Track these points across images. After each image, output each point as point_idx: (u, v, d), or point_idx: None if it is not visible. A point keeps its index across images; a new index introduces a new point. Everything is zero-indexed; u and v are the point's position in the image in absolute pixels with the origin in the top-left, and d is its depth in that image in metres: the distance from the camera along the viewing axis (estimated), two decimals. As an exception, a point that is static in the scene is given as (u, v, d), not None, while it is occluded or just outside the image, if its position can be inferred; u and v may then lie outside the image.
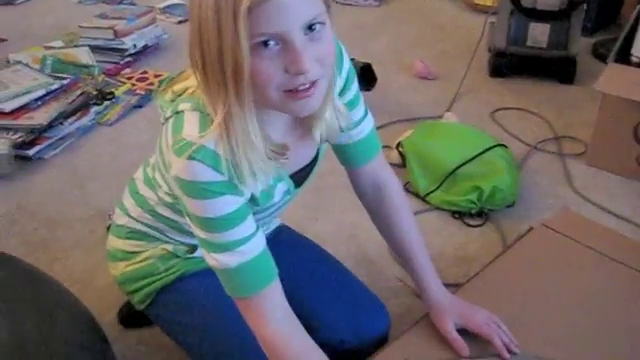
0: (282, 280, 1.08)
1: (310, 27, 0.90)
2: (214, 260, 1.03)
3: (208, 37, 0.89)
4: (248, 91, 0.91)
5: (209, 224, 1.01)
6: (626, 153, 2.02)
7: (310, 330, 1.18)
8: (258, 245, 1.05)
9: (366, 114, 1.23)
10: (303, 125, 1.10)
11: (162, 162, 1.08)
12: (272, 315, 1.05)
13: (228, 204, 1.00)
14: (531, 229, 1.61)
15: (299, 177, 1.17)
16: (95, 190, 2.05)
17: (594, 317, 1.33)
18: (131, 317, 1.53)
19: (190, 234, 1.11)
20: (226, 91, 0.92)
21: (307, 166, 1.18)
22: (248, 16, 0.85)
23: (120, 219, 1.31)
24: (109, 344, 1.26)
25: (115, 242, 1.32)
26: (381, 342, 1.31)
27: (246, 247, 1.03)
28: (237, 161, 0.97)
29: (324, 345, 1.13)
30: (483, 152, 1.92)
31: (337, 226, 1.86)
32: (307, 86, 0.93)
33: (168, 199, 1.17)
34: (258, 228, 1.06)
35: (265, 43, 0.89)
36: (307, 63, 0.90)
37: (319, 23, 0.91)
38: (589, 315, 1.34)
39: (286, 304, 1.08)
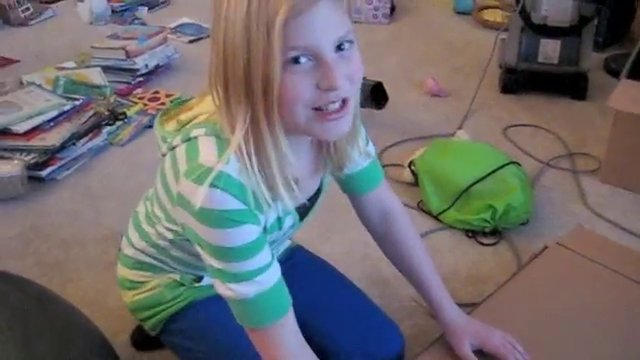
0: (295, 304, 1.07)
1: (340, 46, 0.90)
2: (230, 291, 1.00)
3: (234, 51, 0.88)
4: (276, 109, 0.89)
5: (228, 254, 0.98)
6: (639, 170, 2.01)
7: (322, 354, 1.17)
8: (275, 274, 1.03)
9: (368, 141, 1.22)
10: (321, 155, 1.09)
11: (166, 193, 1.06)
12: (286, 344, 1.04)
13: (248, 233, 0.97)
14: (545, 248, 1.60)
15: (304, 209, 1.14)
16: (108, 210, 2.05)
17: (610, 336, 1.32)
18: (144, 339, 1.51)
19: (196, 267, 1.10)
20: (252, 111, 0.90)
21: (311, 198, 1.15)
22: (283, 29, 0.85)
23: (127, 249, 1.30)
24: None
25: (123, 271, 1.32)
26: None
27: (263, 277, 1.00)
28: (260, 185, 0.95)
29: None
30: (496, 170, 1.91)
31: (350, 246, 1.85)
32: (337, 107, 0.93)
33: (168, 234, 1.16)
34: (274, 257, 1.04)
35: (296, 59, 0.88)
36: (339, 79, 0.90)
37: (348, 42, 0.92)
38: (605, 335, 1.32)
39: (299, 332, 1.06)
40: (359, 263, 1.78)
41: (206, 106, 1.01)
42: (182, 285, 1.26)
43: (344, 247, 1.85)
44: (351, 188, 1.27)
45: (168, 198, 1.05)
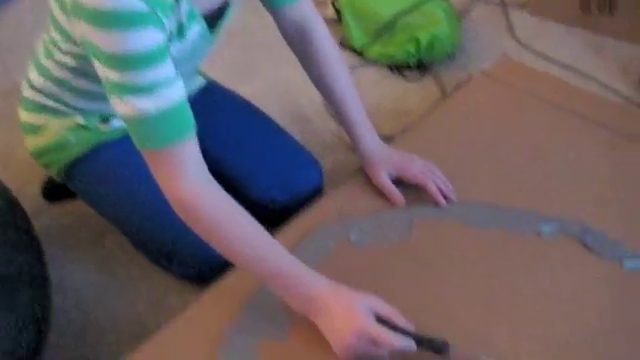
0: (208, 142, 1.02)
1: None
2: (129, 106, 0.90)
3: None
4: None
5: (127, 61, 0.88)
6: (569, 0, 1.94)
7: (239, 191, 1.14)
8: (179, 93, 0.93)
9: None
10: None
11: (59, 7, 0.99)
12: (188, 171, 0.95)
13: (149, 38, 0.88)
14: (470, 78, 1.54)
15: (213, 20, 1.07)
16: (15, 64, 1.90)
17: (538, 162, 1.30)
18: (54, 190, 1.44)
19: (100, 97, 1.01)
20: None
21: (221, 9, 1.08)
22: None
23: (26, 91, 1.23)
24: (29, 219, 1.17)
25: (23, 115, 1.25)
26: (315, 199, 1.26)
27: (166, 91, 0.91)
28: None
29: (254, 206, 1.06)
30: (421, 3, 1.81)
31: (271, 84, 1.77)
32: None
33: (68, 60, 1.09)
34: (179, 75, 0.94)
35: None
36: None
37: None
38: (533, 161, 1.30)
39: (204, 164, 0.97)
40: (279, 100, 1.71)
41: None
42: (87, 129, 1.20)
43: (265, 85, 1.77)
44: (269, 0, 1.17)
45: (62, 12, 0.98)
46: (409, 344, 0.90)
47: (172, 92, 0.92)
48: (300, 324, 0.98)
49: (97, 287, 1.30)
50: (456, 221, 1.17)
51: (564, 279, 1.09)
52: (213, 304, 1.04)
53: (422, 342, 0.91)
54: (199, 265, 1.17)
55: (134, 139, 0.95)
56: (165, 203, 0.96)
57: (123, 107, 0.91)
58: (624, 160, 1.32)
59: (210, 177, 0.98)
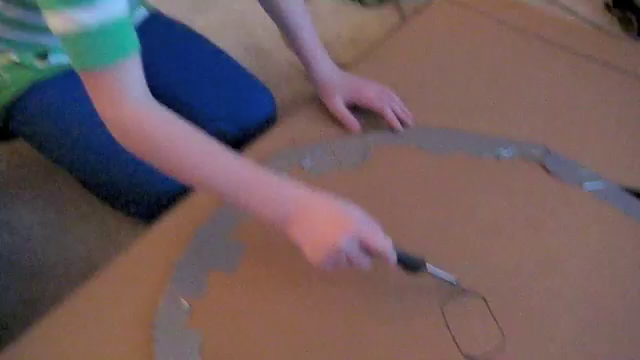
0: (152, 74, 0.95)
1: None
2: (67, 20, 0.82)
3: None
4: None
5: None
6: None
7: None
8: (122, 7, 0.85)
9: None
10: None
11: None
12: (131, 92, 0.87)
13: None
14: (430, 2, 1.49)
15: None
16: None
17: (498, 86, 1.27)
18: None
19: (34, 28, 0.96)
20: None
21: None
22: None
23: None
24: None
25: None
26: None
27: (109, 4, 0.82)
28: None
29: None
30: None
31: (226, 15, 1.71)
32: None
33: None
34: None
35: None
36: None
37: None
38: (493, 85, 1.27)
39: (148, 91, 0.90)
40: (234, 32, 1.66)
41: None
42: (22, 67, 1.12)
43: (219, 17, 1.70)
44: None
45: None
46: (393, 255, 0.85)
47: (115, 5, 0.83)
48: (250, 256, 0.95)
49: (46, 226, 1.26)
50: (414, 146, 1.14)
51: (524, 202, 1.07)
52: (162, 238, 1.00)
53: (400, 257, 0.87)
54: (148, 203, 1.12)
55: (72, 59, 0.86)
56: (110, 141, 0.90)
57: (60, 22, 0.82)
58: (586, 83, 1.29)
59: (155, 101, 0.91)
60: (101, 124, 0.89)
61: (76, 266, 1.18)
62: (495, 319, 0.91)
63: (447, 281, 0.92)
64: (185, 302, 0.90)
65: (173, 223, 1.02)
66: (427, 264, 0.89)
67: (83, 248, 1.21)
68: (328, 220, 0.83)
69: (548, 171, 1.12)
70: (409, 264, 0.88)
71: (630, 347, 0.89)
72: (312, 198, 0.85)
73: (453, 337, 0.89)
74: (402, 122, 1.15)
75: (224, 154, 0.87)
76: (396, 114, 1.15)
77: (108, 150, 1.04)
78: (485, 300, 0.93)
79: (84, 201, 1.27)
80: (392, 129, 1.14)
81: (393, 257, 0.85)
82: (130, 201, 1.15)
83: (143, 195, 1.11)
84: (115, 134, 0.88)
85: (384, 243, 0.84)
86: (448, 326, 0.90)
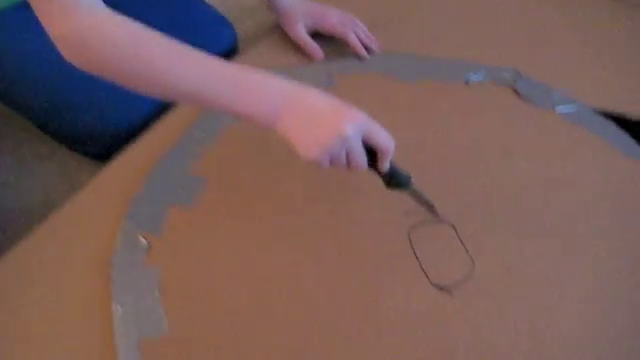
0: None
1: None
2: None
3: None
4: None
5: None
6: None
7: None
8: None
9: None
10: None
11: None
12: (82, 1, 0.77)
13: None
14: None
15: None
16: None
17: (466, 8, 1.23)
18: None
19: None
20: None
21: None
22: None
23: None
24: None
25: None
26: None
27: None
28: None
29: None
30: None
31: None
32: None
33: None
34: None
35: None
36: None
37: None
38: (463, 8, 1.23)
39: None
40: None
41: None
42: None
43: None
44: None
45: None
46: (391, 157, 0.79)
47: None
48: (211, 189, 0.91)
49: (2, 169, 1.21)
50: (380, 74, 1.09)
51: (495, 128, 1.04)
52: (118, 175, 0.96)
53: (392, 168, 0.82)
54: (104, 142, 1.08)
55: None
56: (62, 79, 0.85)
57: None
58: (557, 3, 1.24)
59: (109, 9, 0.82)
60: (51, 63, 0.83)
61: (36, 209, 1.14)
62: (465, 247, 0.88)
63: (427, 203, 0.88)
64: (143, 239, 0.87)
65: (130, 159, 0.98)
66: (413, 182, 0.85)
67: (42, 191, 1.16)
68: (330, 109, 0.75)
69: (520, 95, 1.08)
70: (398, 178, 0.84)
71: (600, 264, 0.87)
72: (304, 89, 0.77)
73: (421, 266, 0.86)
74: (367, 48, 1.11)
75: (195, 52, 0.77)
76: (360, 40, 1.10)
77: (60, 90, 0.99)
78: (454, 227, 0.90)
79: (42, 143, 1.22)
80: (357, 56, 1.10)
81: (390, 157, 0.79)
82: (86, 141, 1.10)
83: (99, 134, 1.07)
84: (70, 50, 0.78)
85: (391, 140, 0.78)
86: (416, 255, 0.87)
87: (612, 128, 1.06)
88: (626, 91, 1.12)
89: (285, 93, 0.76)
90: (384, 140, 0.77)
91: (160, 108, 1.04)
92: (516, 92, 1.08)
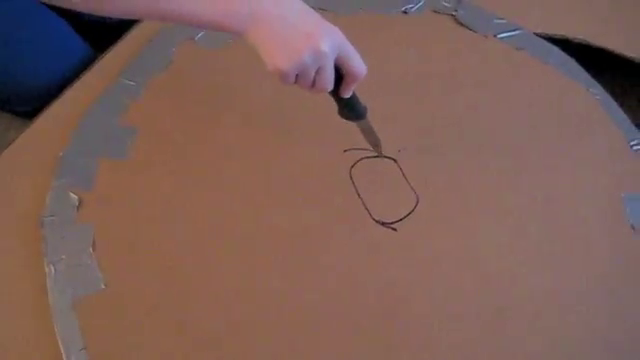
0: None
1: None
2: None
3: None
4: None
5: None
6: None
7: (69, 13, 0.95)
8: None
9: None
10: None
11: None
12: None
13: None
14: None
15: None
16: None
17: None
18: None
19: None
20: None
21: None
22: None
23: None
24: None
25: None
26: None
27: None
28: None
29: (89, 27, 0.93)
30: None
31: None
32: None
33: None
34: None
35: None
36: None
37: None
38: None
39: None
40: None
41: None
42: None
43: None
44: None
45: None
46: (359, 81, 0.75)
47: None
48: (142, 140, 0.87)
49: None
50: (315, 8, 1.05)
51: (437, 57, 1.01)
52: (45, 130, 0.91)
53: (354, 96, 0.79)
54: (30, 98, 1.02)
55: None
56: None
57: None
58: None
59: None
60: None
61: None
62: (407, 180, 0.86)
63: (374, 137, 0.85)
64: (74, 195, 0.83)
65: (57, 114, 0.93)
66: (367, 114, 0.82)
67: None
68: (310, 21, 0.70)
69: (461, 23, 1.05)
70: (356, 107, 0.80)
71: (551, 184, 0.86)
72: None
73: (363, 203, 0.84)
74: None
75: None
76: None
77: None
78: (396, 161, 0.88)
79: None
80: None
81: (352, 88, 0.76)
82: (14, 102, 1.05)
83: (24, 91, 1.02)
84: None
85: (364, 66, 0.74)
86: (357, 192, 0.85)
87: (555, 51, 1.04)
88: (568, 13, 1.10)
89: (278, 3, 0.70)
90: (358, 64, 0.73)
91: (87, 62, 0.99)
92: (457, 20, 1.05)
